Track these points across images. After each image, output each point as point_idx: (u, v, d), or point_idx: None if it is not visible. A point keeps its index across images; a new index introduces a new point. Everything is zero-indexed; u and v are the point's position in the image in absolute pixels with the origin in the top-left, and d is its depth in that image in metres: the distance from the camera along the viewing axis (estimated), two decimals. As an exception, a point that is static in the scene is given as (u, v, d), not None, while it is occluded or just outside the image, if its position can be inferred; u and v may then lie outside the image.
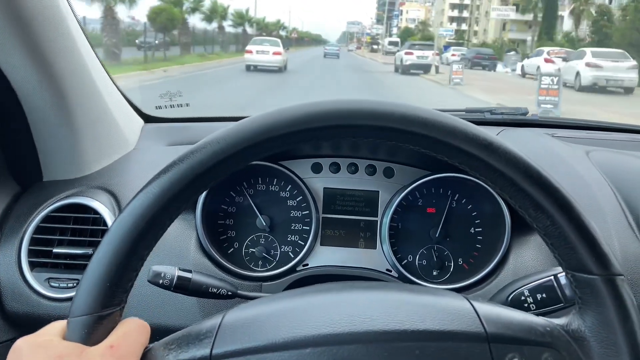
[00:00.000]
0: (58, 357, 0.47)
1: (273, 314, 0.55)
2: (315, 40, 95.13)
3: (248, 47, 19.84)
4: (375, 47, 60.12)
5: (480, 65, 27.62)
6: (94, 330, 0.50)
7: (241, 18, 36.14)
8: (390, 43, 56.31)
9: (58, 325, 0.52)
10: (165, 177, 0.52)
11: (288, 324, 0.52)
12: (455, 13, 66.98)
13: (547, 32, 38.93)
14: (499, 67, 27.45)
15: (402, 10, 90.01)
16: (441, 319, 0.52)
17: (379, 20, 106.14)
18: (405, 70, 22.65)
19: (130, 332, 0.51)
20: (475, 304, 0.55)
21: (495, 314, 0.54)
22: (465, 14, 66.04)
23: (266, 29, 44.08)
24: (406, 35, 62.16)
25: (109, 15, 19.42)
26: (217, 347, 0.51)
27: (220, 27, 31.03)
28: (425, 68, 22.91)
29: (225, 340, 0.51)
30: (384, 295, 0.58)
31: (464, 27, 63.69)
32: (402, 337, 0.50)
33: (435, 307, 0.54)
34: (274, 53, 19.03)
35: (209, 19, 29.31)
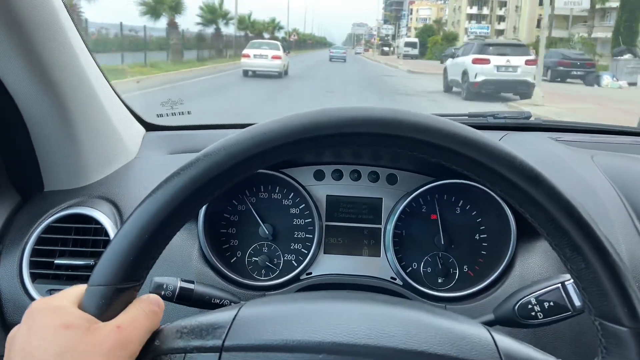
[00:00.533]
0: (66, 326, 0.48)
1: (290, 314, 0.55)
2: (319, 43, 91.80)
3: (245, 51, 18.76)
4: (386, 49, 56.27)
5: (569, 76, 18.85)
6: (111, 301, 0.50)
7: (212, 13, 27.87)
8: (408, 44, 48.77)
9: (76, 291, 0.52)
10: (202, 162, 0.52)
11: (304, 326, 0.52)
12: (475, 10, 62.97)
13: (628, 26, 27.13)
14: (605, 77, 17.82)
15: (412, 10, 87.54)
16: (460, 345, 0.51)
17: (386, 21, 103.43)
18: (475, 91, 13.00)
19: (139, 315, 0.51)
20: (496, 335, 0.54)
21: (515, 351, 0.53)
22: (486, 11, 61.55)
23: (252, 28, 38.26)
24: (427, 34, 56.55)
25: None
26: (230, 339, 0.51)
27: (172, 24, 22.67)
28: (521, 89, 13.21)
29: (238, 334, 0.51)
30: (405, 313, 0.57)
31: (482, 24, 60.00)
32: (418, 357, 0.50)
33: (455, 333, 0.53)
34: (273, 57, 17.99)
35: (154, 14, 22.10)
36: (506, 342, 0.53)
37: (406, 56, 43.67)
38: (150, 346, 0.52)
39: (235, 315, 0.54)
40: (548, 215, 0.51)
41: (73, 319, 0.48)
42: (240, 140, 0.52)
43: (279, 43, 20.06)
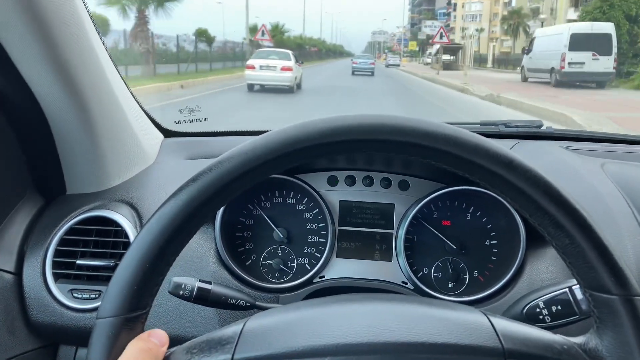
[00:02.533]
0: None
1: (293, 322, 0.56)
2: (334, 52, 78.50)
3: (249, 62, 15.58)
4: (448, 58, 32.60)
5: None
6: (120, 331, 0.52)
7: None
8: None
9: None
10: (193, 186, 0.54)
11: (308, 332, 0.54)
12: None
13: None
14: None
15: (455, 5, 68.51)
16: (459, 333, 0.53)
17: (414, 24, 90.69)
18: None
19: (132, 356, 0.52)
20: (493, 319, 0.56)
21: (513, 330, 0.54)
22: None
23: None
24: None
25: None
26: (239, 353, 0.52)
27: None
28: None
29: (246, 346, 0.53)
30: (403, 308, 0.59)
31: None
32: (420, 349, 0.51)
33: (453, 321, 0.55)
34: (283, 68, 14.99)
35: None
36: (503, 323, 0.55)
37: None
38: None
39: (242, 329, 0.55)
40: (528, 197, 0.53)
41: None
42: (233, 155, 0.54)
43: (290, 52, 17.17)
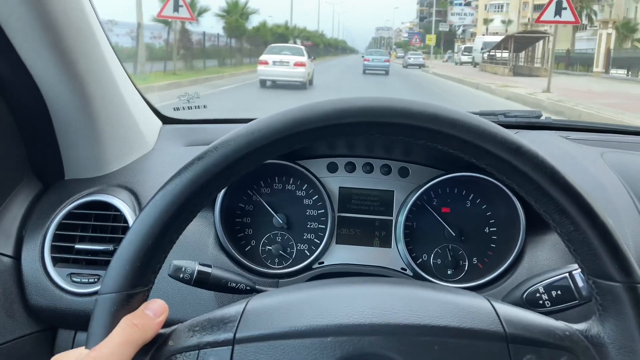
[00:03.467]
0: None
1: (296, 302, 0.56)
2: (336, 48, 73.21)
3: (262, 57, 15.57)
4: (467, 57, 29.42)
5: None
6: (122, 307, 0.52)
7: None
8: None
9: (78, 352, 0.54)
10: (199, 164, 0.53)
11: (311, 312, 0.54)
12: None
13: None
14: None
15: None
16: (461, 316, 0.53)
17: (423, 18, 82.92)
18: None
19: (115, 333, 0.52)
20: (496, 304, 0.56)
21: (515, 315, 0.54)
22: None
23: (236, 29, 26.04)
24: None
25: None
26: (241, 332, 0.52)
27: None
28: None
29: (248, 325, 0.53)
30: (407, 291, 0.59)
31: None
32: (422, 331, 0.51)
33: (456, 305, 0.55)
34: (296, 64, 14.90)
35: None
36: (506, 309, 0.55)
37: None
38: (165, 347, 0.54)
39: (244, 308, 0.55)
40: (534, 182, 0.53)
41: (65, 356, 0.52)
42: (234, 138, 0.54)
43: (303, 48, 17.08)
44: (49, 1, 0.93)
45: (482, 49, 30.59)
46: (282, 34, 35.20)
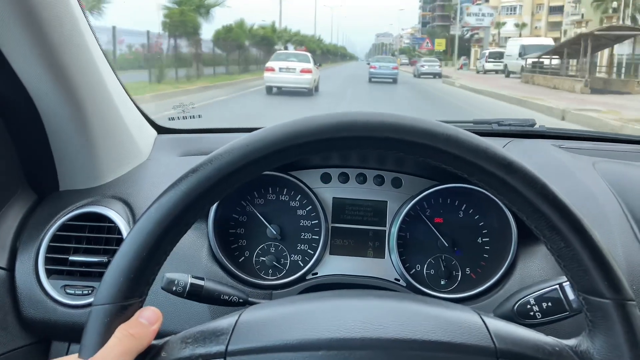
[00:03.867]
0: None
1: (288, 316, 0.57)
2: (335, 54, 68.83)
3: (269, 64, 15.44)
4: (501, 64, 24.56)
5: None
6: (115, 319, 0.52)
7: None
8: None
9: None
10: (193, 177, 0.54)
11: (302, 326, 0.54)
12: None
13: None
14: None
15: None
16: (452, 331, 0.53)
17: (425, 23, 78.73)
18: None
19: (112, 342, 0.52)
20: (486, 319, 0.56)
21: (505, 331, 0.55)
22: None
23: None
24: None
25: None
26: (233, 344, 0.52)
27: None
28: None
29: (240, 338, 0.53)
30: (398, 305, 0.60)
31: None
32: (413, 346, 0.52)
33: (446, 320, 0.56)
34: (303, 71, 14.83)
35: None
36: (496, 323, 0.56)
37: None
38: (157, 358, 0.54)
39: (237, 321, 0.56)
40: (525, 199, 0.54)
41: None
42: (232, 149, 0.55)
43: (309, 54, 16.89)
44: (41, 12, 0.93)
45: (520, 54, 24.37)
46: (266, 37, 29.19)
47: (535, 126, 1.57)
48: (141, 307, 0.55)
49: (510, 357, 0.52)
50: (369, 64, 26.97)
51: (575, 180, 1.16)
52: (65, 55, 1.01)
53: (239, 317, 0.56)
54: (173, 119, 1.54)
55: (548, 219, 0.53)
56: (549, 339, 0.55)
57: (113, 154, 1.23)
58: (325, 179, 1.19)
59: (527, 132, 1.52)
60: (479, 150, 0.54)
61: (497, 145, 0.55)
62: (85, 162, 1.18)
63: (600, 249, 0.53)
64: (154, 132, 1.47)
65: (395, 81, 22.55)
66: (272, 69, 15.02)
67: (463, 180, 1.10)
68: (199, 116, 1.57)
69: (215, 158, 0.54)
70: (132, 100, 1.35)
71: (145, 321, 0.55)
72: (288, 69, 14.89)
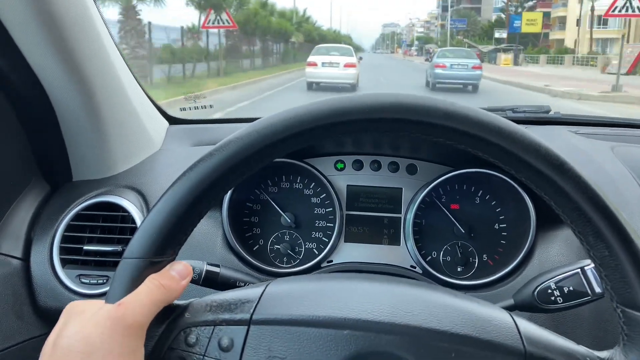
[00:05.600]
0: (81, 312, 0.52)
1: (316, 291, 0.56)
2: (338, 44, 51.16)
3: (310, 59, 14.47)
4: None
5: None
6: (143, 273, 0.52)
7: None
8: None
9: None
10: (233, 144, 0.53)
11: (330, 303, 0.54)
12: None
13: None
14: None
15: None
16: (482, 327, 0.52)
17: (445, 7, 68.07)
18: None
19: (143, 290, 0.52)
20: (518, 320, 0.55)
21: (537, 334, 0.53)
22: None
23: None
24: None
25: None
26: (258, 313, 0.52)
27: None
28: None
29: (266, 308, 0.53)
30: (428, 294, 0.58)
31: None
32: (440, 337, 0.51)
33: (477, 315, 0.54)
34: (346, 65, 13.89)
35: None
36: (528, 326, 0.54)
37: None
38: (181, 318, 0.54)
39: (263, 291, 0.55)
40: (573, 203, 0.51)
41: (90, 305, 0.52)
42: (272, 123, 0.53)
43: (351, 48, 15.83)
44: (52, 2, 0.93)
45: None
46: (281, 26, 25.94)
47: (550, 113, 1.55)
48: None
49: None
50: (429, 59, 19.22)
51: (595, 165, 1.15)
52: (77, 45, 1.01)
53: (265, 288, 0.56)
54: (185, 109, 1.53)
55: (595, 226, 0.51)
56: (581, 348, 0.54)
57: (125, 144, 1.23)
58: (339, 166, 1.18)
59: (542, 119, 1.50)
60: (532, 147, 0.52)
61: (547, 144, 0.53)
62: (98, 152, 1.18)
63: None
64: (165, 122, 1.46)
65: (475, 89, 14.77)
66: (315, 64, 14.17)
67: (479, 166, 1.08)
68: (211, 106, 1.57)
69: (250, 133, 0.53)
70: (144, 90, 1.35)
71: (177, 275, 0.55)
72: (331, 63, 14.08)
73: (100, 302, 0.52)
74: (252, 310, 0.52)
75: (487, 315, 0.55)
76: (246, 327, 0.51)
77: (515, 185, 1.07)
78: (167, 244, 0.53)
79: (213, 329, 0.52)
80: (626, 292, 0.51)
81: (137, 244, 0.53)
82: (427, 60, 17.87)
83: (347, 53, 14.92)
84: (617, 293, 0.52)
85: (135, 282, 0.52)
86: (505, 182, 1.07)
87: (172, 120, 1.49)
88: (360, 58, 17.26)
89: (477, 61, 15.74)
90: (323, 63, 14.16)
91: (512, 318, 0.55)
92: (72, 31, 0.99)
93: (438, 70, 14.93)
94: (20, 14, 0.90)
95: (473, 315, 0.54)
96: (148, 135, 1.32)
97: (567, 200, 0.52)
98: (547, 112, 1.54)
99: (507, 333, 0.52)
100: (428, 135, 0.53)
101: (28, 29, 0.93)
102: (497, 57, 34.04)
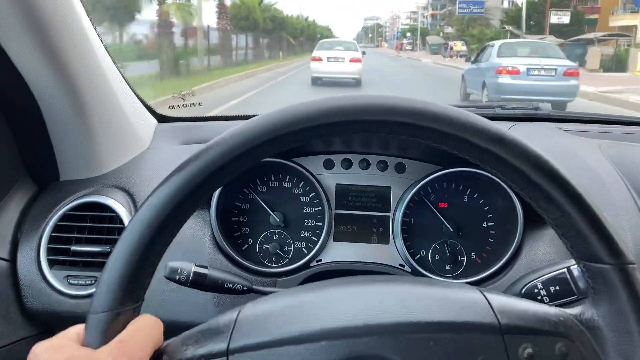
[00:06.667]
0: (69, 358, 0.48)
1: (288, 308, 0.56)
2: (312, 38, 50.56)
3: (315, 53, 14.46)
4: None
5: None
6: (112, 326, 0.51)
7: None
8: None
9: (75, 329, 0.53)
10: (181, 174, 0.53)
11: (303, 317, 0.53)
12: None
13: None
14: None
15: None
16: (455, 310, 0.53)
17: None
18: None
19: (141, 328, 0.52)
20: (488, 295, 0.55)
21: (509, 305, 0.54)
22: None
23: None
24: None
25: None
26: (234, 342, 0.51)
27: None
28: None
29: (241, 335, 0.52)
30: (398, 288, 0.59)
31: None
32: (416, 328, 0.51)
33: (448, 299, 0.55)
34: (352, 60, 13.85)
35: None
36: (498, 299, 0.55)
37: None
38: None
39: (237, 318, 0.55)
40: (518, 171, 0.53)
41: (74, 350, 0.50)
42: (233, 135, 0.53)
43: (355, 42, 16.04)
44: (39, 3, 0.92)
45: None
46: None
47: (539, 110, 1.55)
48: (139, 311, 0.54)
49: (515, 331, 0.51)
50: (364, 53, 17.49)
51: (582, 162, 1.15)
52: (63, 43, 1.00)
53: (238, 314, 0.55)
54: (173, 107, 1.52)
55: (542, 189, 0.53)
56: (553, 309, 0.55)
57: (113, 143, 1.22)
58: (328, 165, 1.18)
59: (530, 116, 1.51)
60: (468, 125, 0.53)
61: (484, 118, 0.54)
62: (85, 151, 1.17)
63: (597, 214, 0.52)
64: (154, 120, 1.45)
65: (563, 107, 9.01)
66: (320, 59, 14.02)
67: (467, 164, 1.08)
68: (199, 104, 1.56)
69: (202, 153, 0.53)
70: (132, 88, 1.34)
71: (155, 323, 0.54)
72: (337, 58, 13.92)
73: (84, 349, 0.50)
74: (228, 340, 0.52)
75: (458, 297, 0.56)
76: (225, 357, 0.51)
77: (502, 184, 1.07)
78: (132, 291, 0.52)
79: None
80: (584, 247, 0.53)
81: (100, 298, 0.51)
82: (467, 61, 13.96)
83: (352, 48, 14.89)
84: (576, 250, 0.54)
85: (106, 334, 0.51)
86: (493, 180, 1.08)
87: (161, 119, 1.48)
88: (364, 52, 17.02)
89: (570, 63, 10.34)
90: (328, 58, 14.07)
91: (483, 294, 0.56)
92: (58, 30, 0.98)
93: (504, 80, 9.34)
94: (6, 15, 0.89)
95: (444, 299, 0.55)
96: (136, 134, 1.31)
97: (513, 169, 0.53)
98: (536, 109, 1.55)
99: (480, 311, 0.53)
100: (376, 132, 0.55)
101: (14, 30, 0.92)
102: (586, 54, 20.74)
